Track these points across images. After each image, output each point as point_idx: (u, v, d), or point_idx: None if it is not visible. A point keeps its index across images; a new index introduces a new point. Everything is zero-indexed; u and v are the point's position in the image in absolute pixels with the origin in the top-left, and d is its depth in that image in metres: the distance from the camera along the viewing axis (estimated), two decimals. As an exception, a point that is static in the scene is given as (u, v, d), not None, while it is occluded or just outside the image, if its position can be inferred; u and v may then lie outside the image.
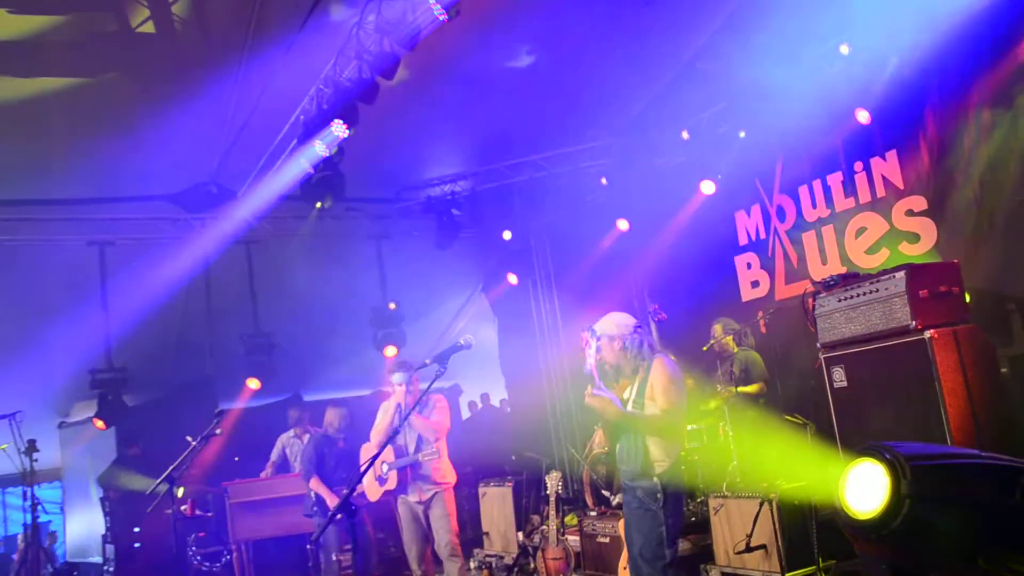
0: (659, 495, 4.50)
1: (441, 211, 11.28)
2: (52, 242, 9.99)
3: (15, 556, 12.72)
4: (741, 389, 7.78)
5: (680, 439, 5.28)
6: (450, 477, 6.97)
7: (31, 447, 9.00)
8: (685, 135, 9.53)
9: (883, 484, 2.37)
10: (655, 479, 4.53)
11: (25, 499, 9.14)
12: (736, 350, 8.28)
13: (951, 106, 7.19)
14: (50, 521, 13.27)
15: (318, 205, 9.27)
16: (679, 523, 4.70)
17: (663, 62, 9.42)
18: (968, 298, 5.70)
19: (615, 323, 4.83)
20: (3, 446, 9.07)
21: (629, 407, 4.62)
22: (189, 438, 6.29)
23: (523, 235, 12.06)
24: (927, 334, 5.20)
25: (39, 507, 9.24)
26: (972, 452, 2.51)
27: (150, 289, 11.21)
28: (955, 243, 7.08)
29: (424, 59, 7.24)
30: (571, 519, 8.14)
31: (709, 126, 9.34)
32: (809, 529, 6.08)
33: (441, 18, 6.44)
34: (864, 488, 2.45)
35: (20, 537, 12.31)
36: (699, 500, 7.34)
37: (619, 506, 6.89)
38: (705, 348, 8.22)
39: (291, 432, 9.73)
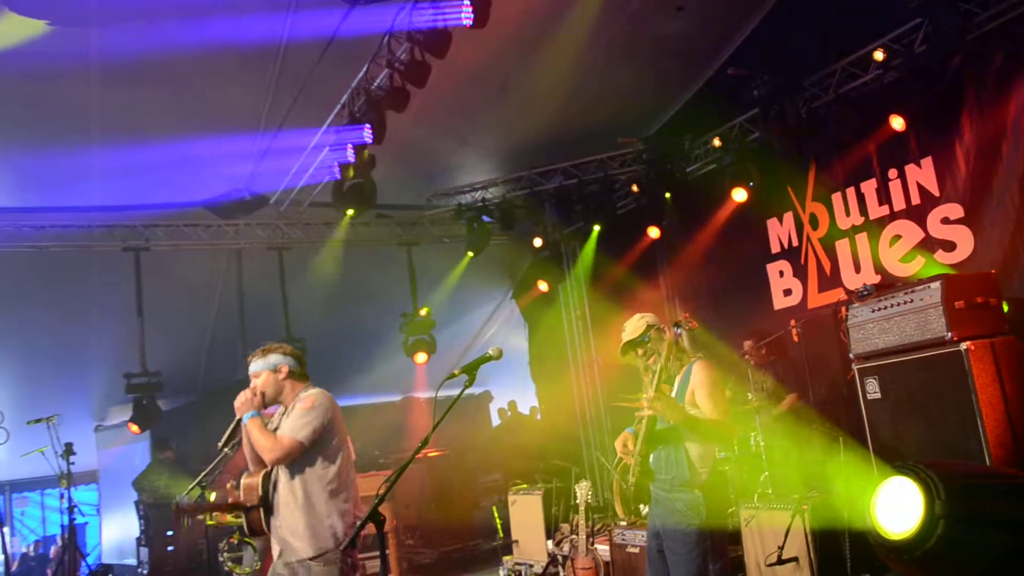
0: (702, 507, 4.22)
1: (472, 218, 11.30)
2: (88, 248, 10.14)
3: (51, 555, 12.94)
4: (775, 411, 7.70)
5: (726, 446, 5.07)
6: (321, 538, 4.09)
7: (68, 450, 9.12)
8: (717, 142, 9.48)
9: (916, 504, 2.32)
10: (697, 490, 4.26)
11: (62, 501, 9.26)
12: (772, 358, 8.20)
13: (988, 112, 7.08)
14: (86, 523, 13.46)
15: (350, 212, 9.34)
16: (722, 536, 4.38)
17: (694, 68, 9.38)
18: (1006, 308, 5.60)
19: (649, 320, 4.50)
20: (41, 449, 9.19)
21: None
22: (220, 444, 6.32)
23: (554, 242, 12.06)
24: (963, 346, 5.11)
25: (76, 509, 9.35)
26: (1008, 472, 2.45)
27: (184, 294, 11.38)
28: (992, 252, 6.97)
29: (455, 67, 7.26)
30: (601, 528, 8.09)
31: (741, 133, 9.28)
32: (842, 542, 5.99)
33: (467, 23, 6.47)
34: (897, 508, 2.40)
35: (58, 538, 12.50)
36: (730, 511, 7.27)
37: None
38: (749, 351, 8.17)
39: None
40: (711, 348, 8.90)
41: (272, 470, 4.30)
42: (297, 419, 4.21)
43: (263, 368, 4.46)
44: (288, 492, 4.20)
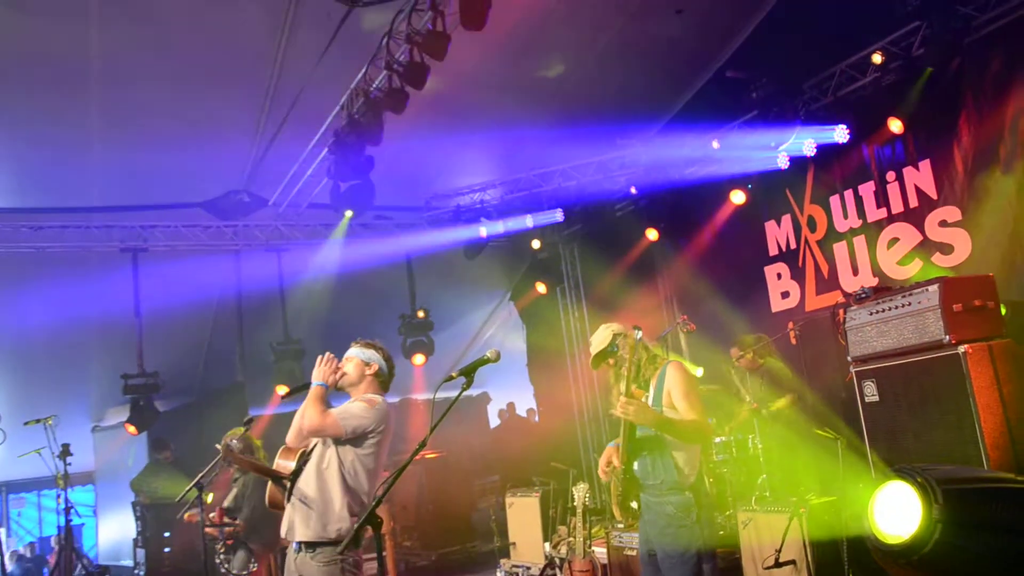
0: (693, 508, 4.27)
1: (470, 220, 11.29)
2: (87, 248, 10.13)
3: (50, 557, 12.91)
4: (773, 407, 7.66)
5: (707, 447, 5.12)
6: (322, 528, 4.08)
7: (65, 451, 9.11)
8: (715, 144, 9.47)
9: (914, 508, 2.32)
10: (687, 492, 4.29)
11: (59, 502, 9.24)
12: (761, 361, 8.16)
13: (986, 115, 7.08)
14: (83, 524, 13.43)
15: (348, 213, 9.34)
16: (714, 536, 4.44)
17: (693, 71, 9.39)
18: (1004, 311, 5.60)
19: (615, 329, 4.53)
20: (38, 450, 9.18)
21: None
22: (218, 445, 6.32)
23: (552, 244, 12.06)
24: (961, 349, 5.10)
25: (72, 510, 9.33)
26: (1006, 476, 2.45)
27: (182, 295, 11.36)
28: (990, 255, 6.97)
29: (454, 69, 7.25)
30: (598, 531, 8.08)
31: (739, 135, 9.27)
32: (839, 546, 5.98)
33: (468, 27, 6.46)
34: (894, 512, 2.40)
35: (55, 539, 12.48)
36: (728, 514, 7.26)
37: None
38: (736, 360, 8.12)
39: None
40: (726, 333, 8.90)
41: (308, 450, 4.34)
42: (352, 408, 4.23)
43: (358, 356, 4.55)
44: (314, 473, 4.21)
